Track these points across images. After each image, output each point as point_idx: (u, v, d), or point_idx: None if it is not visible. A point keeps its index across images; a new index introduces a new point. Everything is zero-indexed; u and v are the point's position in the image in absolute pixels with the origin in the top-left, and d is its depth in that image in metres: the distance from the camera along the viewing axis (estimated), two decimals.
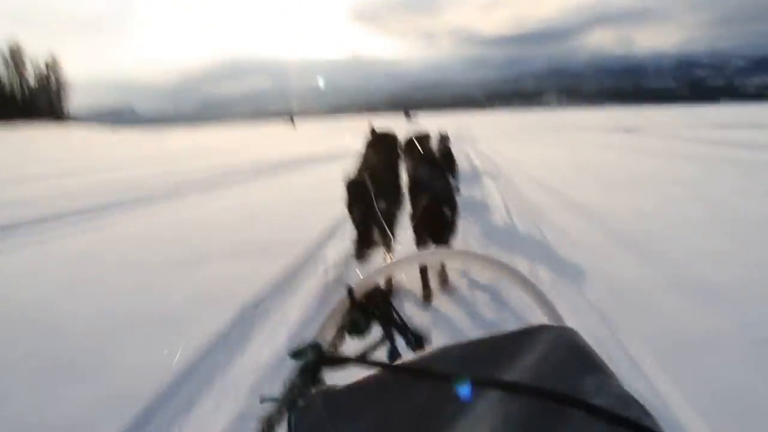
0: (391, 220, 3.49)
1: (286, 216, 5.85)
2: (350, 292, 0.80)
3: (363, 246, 3.29)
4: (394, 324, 0.82)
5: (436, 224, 3.28)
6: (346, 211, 3.43)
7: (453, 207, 3.41)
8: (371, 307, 0.81)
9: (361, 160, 3.95)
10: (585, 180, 7.89)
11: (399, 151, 4.89)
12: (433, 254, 1.63)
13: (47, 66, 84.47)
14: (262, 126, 60.42)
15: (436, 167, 4.14)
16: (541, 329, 0.56)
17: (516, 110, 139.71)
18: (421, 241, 3.33)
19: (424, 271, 3.22)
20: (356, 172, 3.56)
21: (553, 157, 11.80)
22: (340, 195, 3.43)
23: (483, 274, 3.46)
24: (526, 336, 0.55)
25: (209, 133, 45.75)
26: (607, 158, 11.22)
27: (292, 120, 55.22)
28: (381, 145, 4.37)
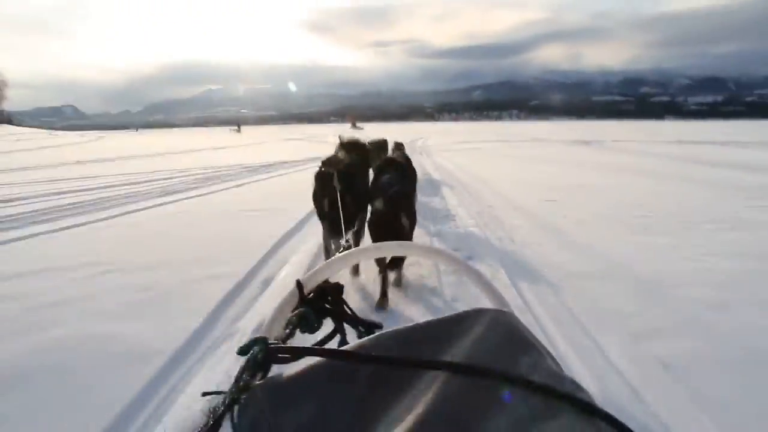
0: (354, 215, 3.56)
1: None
2: (299, 286, 0.78)
3: (334, 235, 3.52)
4: (346, 318, 0.79)
5: (391, 227, 3.31)
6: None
7: (410, 213, 3.51)
8: (322, 302, 0.79)
9: (331, 156, 4.06)
10: (619, 225, 5.43)
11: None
12: (379, 248, 1.11)
13: None
14: (208, 132, 57.23)
15: (395, 172, 4.09)
16: (478, 313, 0.57)
17: (467, 122, 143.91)
18: (374, 239, 3.36)
19: (384, 279, 3.29)
20: (325, 165, 3.69)
21: (535, 178, 9.69)
22: None
23: (432, 265, 3.90)
24: (465, 319, 0.56)
25: (145, 137, 43.92)
26: (599, 180, 9.31)
27: (238, 127, 55.42)
28: (351, 147, 4.45)
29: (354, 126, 52.38)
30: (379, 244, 0.95)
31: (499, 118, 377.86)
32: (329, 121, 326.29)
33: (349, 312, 0.79)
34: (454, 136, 34.09)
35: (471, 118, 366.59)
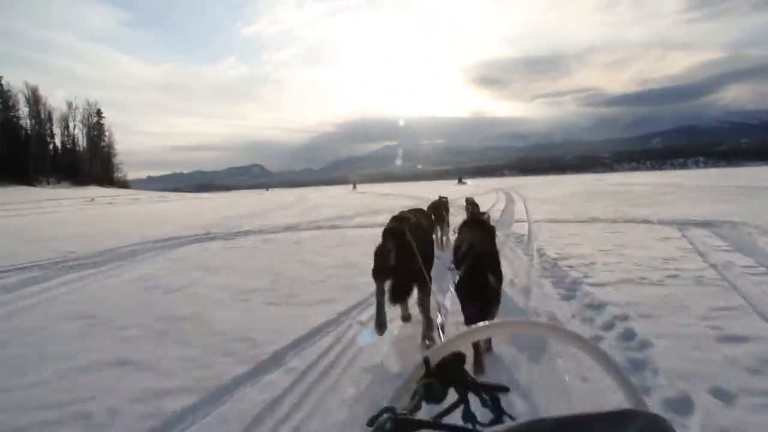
0: (423, 274, 3.51)
1: None
2: (426, 360, 0.81)
3: (401, 292, 3.44)
4: (469, 386, 0.80)
5: (479, 286, 3.27)
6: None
7: (497, 272, 3.45)
8: (446, 373, 0.80)
9: (400, 214, 4.21)
10: None
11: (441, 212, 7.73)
12: (511, 325, 1.20)
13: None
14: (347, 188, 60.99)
15: (483, 231, 4.19)
16: (631, 414, 0.54)
17: (648, 171, 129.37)
18: (464, 303, 3.41)
19: (476, 346, 3.22)
20: (394, 222, 3.80)
21: None
22: None
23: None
24: (616, 419, 0.54)
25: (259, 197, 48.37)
26: None
27: (354, 185, 58.84)
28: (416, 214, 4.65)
29: (460, 182, 56.12)
30: (511, 320, 0.97)
31: (683, 166, 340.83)
32: (502, 174, 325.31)
33: (473, 380, 0.80)
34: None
35: (652, 167, 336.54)
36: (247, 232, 11.92)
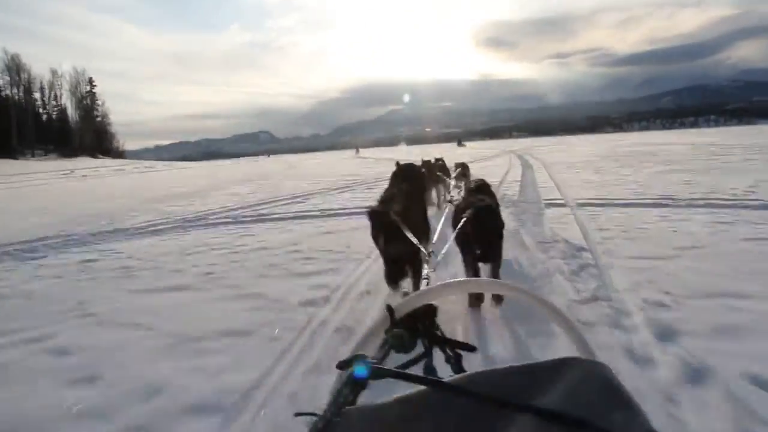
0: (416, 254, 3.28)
1: None
2: (390, 311, 0.82)
3: (394, 276, 3.39)
4: (438, 340, 0.81)
5: (483, 234, 3.29)
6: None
7: (497, 225, 3.46)
8: (414, 324, 0.81)
9: (385, 191, 4.13)
10: None
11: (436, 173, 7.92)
12: (470, 283, 1.36)
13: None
14: (350, 153, 56.91)
15: (482, 192, 4.20)
16: (574, 362, 0.56)
17: (659, 131, 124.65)
18: (465, 255, 3.45)
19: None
20: (379, 203, 3.68)
21: None
22: None
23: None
24: (561, 367, 0.55)
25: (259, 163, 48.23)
26: None
27: (357, 150, 59.68)
28: (406, 176, 4.71)
29: (459, 144, 56.69)
30: (475, 279, 1.14)
31: (695, 125, 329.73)
32: (511, 136, 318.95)
33: (441, 335, 0.81)
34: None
35: (663, 127, 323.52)
36: (70, 243, 7.12)
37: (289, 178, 19.04)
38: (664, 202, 7.35)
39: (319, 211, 8.55)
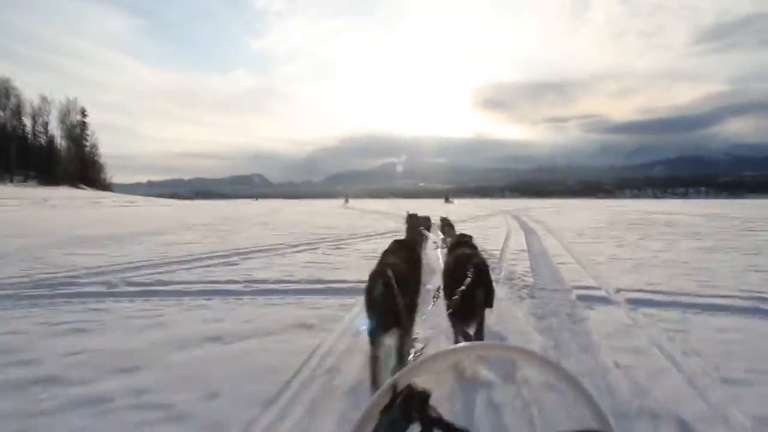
0: (412, 310, 3.44)
1: None
2: (393, 387, 0.80)
3: (380, 330, 3.22)
4: (434, 423, 0.77)
5: (471, 303, 3.29)
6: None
7: (488, 286, 3.40)
8: (409, 408, 0.78)
9: (385, 253, 4.10)
10: None
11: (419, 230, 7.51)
12: (469, 348, 1.13)
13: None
14: (339, 202, 54.94)
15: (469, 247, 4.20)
16: None
17: (650, 199, 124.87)
18: (456, 320, 3.41)
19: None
20: (380, 265, 3.57)
21: None
22: None
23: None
24: None
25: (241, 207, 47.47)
26: None
27: (346, 199, 57.90)
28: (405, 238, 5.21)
29: (447, 201, 56.96)
30: (477, 343, 1.10)
31: (685, 195, 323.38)
32: (503, 196, 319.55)
33: (437, 417, 0.78)
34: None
35: (654, 195, 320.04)
36: None
37: (257, 225, 16.54)
38: (761, 306, 4.83)
39: (243, 283, 5.91)
